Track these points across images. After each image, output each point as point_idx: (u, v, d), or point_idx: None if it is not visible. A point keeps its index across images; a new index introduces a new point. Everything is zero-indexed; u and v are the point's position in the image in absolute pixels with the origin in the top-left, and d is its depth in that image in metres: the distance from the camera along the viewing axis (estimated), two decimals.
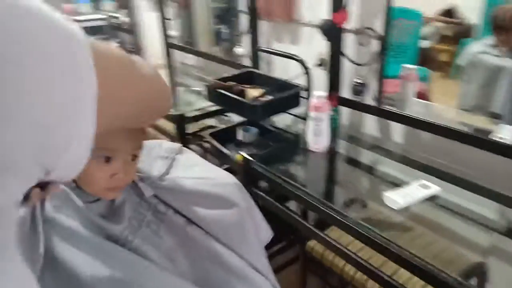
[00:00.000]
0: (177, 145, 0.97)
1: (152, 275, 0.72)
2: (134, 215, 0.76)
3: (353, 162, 1.34)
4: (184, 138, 1.76)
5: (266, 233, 1.01)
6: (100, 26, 3.13)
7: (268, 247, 0.97)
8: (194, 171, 0.89)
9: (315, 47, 1.61)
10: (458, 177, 1.13)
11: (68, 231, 0.68)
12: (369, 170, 1.29)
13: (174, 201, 0.81)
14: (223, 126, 1.71)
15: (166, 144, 0.95)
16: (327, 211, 1.04)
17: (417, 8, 1.33)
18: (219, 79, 1.59)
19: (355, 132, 1.56)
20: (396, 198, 1.00)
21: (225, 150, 1.52)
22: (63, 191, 0.72)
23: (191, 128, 1.89)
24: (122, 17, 2.90)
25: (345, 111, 1.57)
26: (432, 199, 1.05)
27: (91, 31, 3.07)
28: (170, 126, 1.81)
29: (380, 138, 1.52)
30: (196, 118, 1.84)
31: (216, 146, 1.58)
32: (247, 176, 1.40)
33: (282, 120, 1.64)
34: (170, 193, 0.81)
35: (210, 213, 0.83)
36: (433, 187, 1.07)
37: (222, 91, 1.49)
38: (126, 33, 2.93)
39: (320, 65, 1.58)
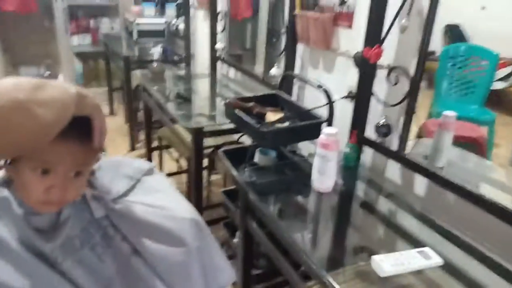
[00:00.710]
0: (148, 165, 0.93)
1: None
2: (81, 234, 0.73)
3: (359, 209, 1.21)
4: (199, 152, 1.73)
5: (227, 276, 0.93)
6: (161, 30, 3.25)
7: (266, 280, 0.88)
8: (154, 197, 0.84)
9: (348, 79, 1.50)
10: (477, 252, 0.96)
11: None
12: (374, 221, 1.15)
13: (124, 227, 0.77)
14: (242, 145, 1.65)
15: (137, 163, 0.91)
16: (308, 263, 0.93)
17: (495, 49, 1.24)
18: (241, 98, 1.54)
19: (375, 175, 1.41)
20: (383, 264, 0.87)
21: (233, 171, 1.45)
22: (5, 199, 0.70)
23: (210, 141, 1.86)
24: (180, 24, 2.98)
25: (369, 150, 1.44)
26: (432, 271, 0.89)
27: (152, 34, 3.21)
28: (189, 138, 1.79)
29: (400, 186, 1.36)
30: (218, 133, 1.80)
31: (223, 165, 1.52)
32: (244, 203, 1.33)
33: (308, 148, 1.54)
34: (121, 218, 0.77)
35: (156, 247, 0.78)
36: (435, 259, 0.91)
37: (237, 111, 1.43)
38: (181, 39, 3.01)
39: (348, 97, 1.46)
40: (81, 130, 0.66)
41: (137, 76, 2.51)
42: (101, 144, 0.72)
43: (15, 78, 0.51)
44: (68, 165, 0.67)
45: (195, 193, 1.84)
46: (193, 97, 2.12)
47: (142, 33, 3.15)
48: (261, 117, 1.49)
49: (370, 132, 1.39)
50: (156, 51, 2.32)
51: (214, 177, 2.46)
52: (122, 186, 0.83)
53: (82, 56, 4.00)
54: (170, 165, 2.72)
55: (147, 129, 2.50)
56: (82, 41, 3.90)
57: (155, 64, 2.30)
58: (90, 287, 0.71)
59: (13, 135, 0.46)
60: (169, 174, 2.58)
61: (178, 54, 2.94)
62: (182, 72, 2.68)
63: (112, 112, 3.80)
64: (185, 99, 1.97)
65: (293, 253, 1.02)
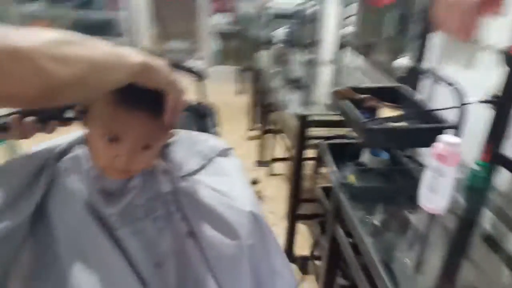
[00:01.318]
0: (225, 146, 0.88)
1: (110, 273, 0.66)
2: (146, 204, 0.73)
3: (480, 243, 0.96)
4: (302, 140, 1.62)
5: (285, 282, 0.83)
6: (293, 13, 3.19)
7: None
8: (221, 180, 0.79)
9: (489, 79, 1.20)
10: None
11: (65, 196, 0.69)
12: (497, 262, 0.89)
13: (186, 206, 0.75)
14: (351, 140, 1.49)
15: (213, 142, 0.87)
16: None
17: None
18: (353, 88, 1.37)
19: (510, 204, 1.11)
20: None
21: (331, 167, 1.32)
22: (78, 157, 0.71)
23: (323, 132, 1.74)
24: (312, 8, 2.86)
25: (506, 172, 1.14)
26: None
27: (284, 16, 3.17)
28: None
29: None
30: (326, 123, 1.67)
31: (325, 159, 1.39)
32: (335, 205, 1.19)
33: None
34: (185, 196, 0.75)
35: (210, 234, 0.74)
36: None
37: (343, 101, 1.28)
38: (311, 23, 2.90)
39: (488, 102, 1.17)
40: (155, 103, 0.64)
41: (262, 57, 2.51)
42: (173, 121, 0.69)
43: (45, 30, 0.48)
44: (136, 137, 0.66)
45: (293, 183, 1.76)
46: (310, 84, 2.01)
47: (275, 15, 3.14)
48: (373, 112, 1.31)
49: (509, 152, 1.09)
50: (280, 33, 2.26)
51: (325, 170, 2.33)
52: (193, 163, 0.81)
53: (222, 34, 4.22)
54: (281, 150, 2.69)
55: (263, 111, 2.50)
56: (222, 20, 4.10)
57: (277, 46, 2.25)
58: (141, 260, 0.70)
59: (7, 84, 0.44)
60: (277, 159, 2.55)
61: (306, 39, 2.84)
62: (306, 57, 2.59)
63: (240, 91, 3.94)
64: (300, 85, 1.88)
65: (377, 279, 0.86)
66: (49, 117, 0.68)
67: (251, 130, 3.15)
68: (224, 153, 0.87)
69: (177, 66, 2.56)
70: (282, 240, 1.94)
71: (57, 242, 0.66)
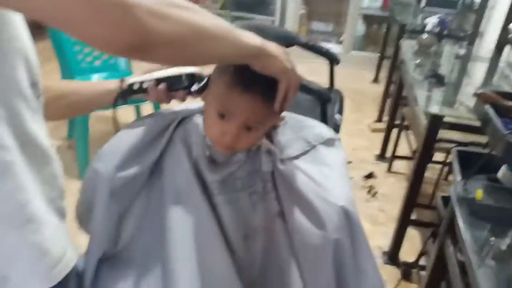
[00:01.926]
0: (331, 135, 0.87)
1: (200, 232, 0.72)
2: (245, 178, 0.78)
3: None
4: (429, 141, 1.49)
5: (371, 283, 0.80)
6: (454, 0, 2.85)
7: None
8: (319, 169, 0.79)
9: None
10: None
11: (178, 156, 0.76)
12: None
13: (281, 187, 0.78)
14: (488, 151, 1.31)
15: (320, 130, 0.87)
16: None
17: None
18: (501, 92, 1.19)
19: None
20: None
21: (458, 176, 1.19)
22: (197, 125, 0.79)
23: (452, 135, 1.58)
24: None
25: None
26: None
27: (442, 3, 2.87)
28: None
29: None
30: (462, 127, 1.50)
31: (452, 165, 1.26)
32: (448, 220, 1.07)
33: None
34: (281, 179, 0.77)
35: (299, 218, 0.75)
36: None
37: (487, 106, 1.12)
38: (473, 13, 2.56)
39: None
40: (267, 89, 0.68)
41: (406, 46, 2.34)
42: (282, 108, 0.71)
43: None
44: (244, 117, 0.69)
45: (411, 185, 1.64)
46: (453, 81, 1.80)
47: (431, 1, 2.85)
48: None
49: None
50: (430, 22, 2.05)
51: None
52: (296, 148, 0.82)
53: (367, 18, 4.04)
54: (405, 148, 2.51)
55: (395, 103, 2.35)
56: (373, 4, 3.91)
57: (424, 36, 2.05)
58: (232, 229, 0.74)
59: (100, 26, 0.44)
60: (399, 157, 2.39)
61: (463, 30, 2.52)
62: (459, 51, 2.31)
63: (376, 80, 3.76)
64: (440, 81, 1.70)
65: None
66: (178, 88, 0.77)
67: (378, 122, 3.00)
68: (329, 142, 0.85)
69: (311, 47, 2.56)
70: (387, 241, 1.85)
71: (165, 194, 0.75)
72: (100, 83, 0.85)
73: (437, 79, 1.70)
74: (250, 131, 0.71)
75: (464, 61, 2.15)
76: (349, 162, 2.56)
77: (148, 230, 0.75)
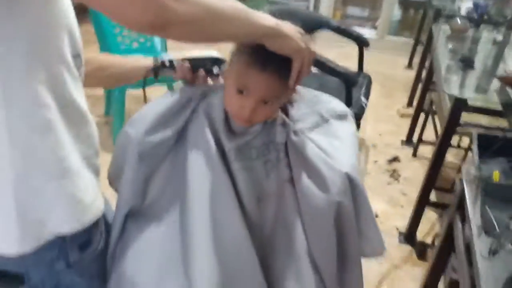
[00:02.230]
0: (343, 110, 0.92)
1: (216, 194, 0.79)
2: (260, 148, 0.84)
3: None
4: (451, 123, 1.51)
5: (373, 247, 0.87)
6: None
7: None
8: (329, 141, 0.85)
9: None
10: None
11: (201, 126, 0.83)
12: None
13: (292, 157, 0.84)
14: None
15: (333, 105, 0.92)
16: None
17: None
18: None
19: None
20: None
21: (474, 158, 1.22)
22: (221, 97, 0.85)
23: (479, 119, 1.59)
24: None
25: None
26: None
27: None
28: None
29: None
30: (487, 111, 1.51)
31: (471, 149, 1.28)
32: (459, 200, 1.11)
33: None
34: (293, 149, 0.84)
35: (306, 183, 0.81)
36: None
37: (508, 88, 1.13)
38: None
39: None
40: (282, 67, 0.74)
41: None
42: (296, 85, 0.78)
43: None
44: (260, 93, 0.76)
45: (431, 167, 1.67)
46: (485, 66, 1.79)
47: None
48: None
49: None
50: (464, 7, 2.01)
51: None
52: (310, 122, 0.87)
53: (404, 3, 3.95)
54: (432, 133, 2.50)
55: (424, 89, 2.34)
56: None
57: (458, 21, 2.03)
58: (246, 193, 0.81)
59: (131, 8, 0.54)
60: (425, 142, 2.38)
61: (503, 16, 2.44)
62: (497, 37, 2.25)
63: (410, 65, 3.71)
64: (470, 65, 1.70)
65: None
66: (201, 68, 0.86)
67: (408, 107, 2.98)
68: (341, 117, 0.91)
69: (341, 31, 2.59)
70: (405, 223, 1.89)
71: (187, 159, 0.82)
72: (136, 58, 0.93)
73: (466, 64, 1.70)
74: (266, 105, 0.77)
75: (501, 47, 2.11)
76: (374, 146, 2.58)
77: (171, 190, 0.83)
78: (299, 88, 0.85)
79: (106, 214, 0.79)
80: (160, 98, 0.87)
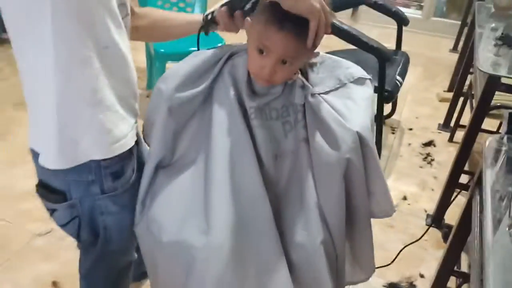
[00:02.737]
0: (361, 75, 0.94)
1: (234, 147, 0.85)
2: (280, 109, 0.89)
3: None
4: (484, 104, 1.46)
5: (381, 207, 0.89)
6: None
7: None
8: (344, 103, 0.88)
9: None
10: None
11: (225, 85, 0.88)
12: None
13: (309, 117, 0.88)
14: None
15: (352, 70, 0.95)
16: None
17: None
18: None
19: None
20: None
21: (504, 137, 1.18)
22: (246, 59, 0.88)
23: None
24: None
25: None
26: None
27: None
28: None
29: None
30: None
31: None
32: (480, 173, 1.09)
33: None
34: (310, 110, 0.88)
35: (319, 141, 0.86)
36: None
37: None
38: None
39: None
40: (300, 27, 0.76)
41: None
42: (315, 45, 0.80)
43: None
44: (279, 53, 0.79)
45: (461, 150, 1.62)
46: None
47: None
48: None
49: None
50: None
51: None
52: (328, 85, 0.90)
53: None
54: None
55: (463, 71, 2.25)
56: None
57: None
58: (265, 149, 0.87)
59: None
60: (463, 126, 2.30)
61: None
62: None
63: (455, 48, 3.54)
64: (509, 43, 1.62)
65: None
66: (236, 8, 0.87)
67: (448, 91, 2.87)
68: (359, 81, 0.93)
69: (379, 6, 2.53)
70: (434, 205, 1.85)
71: (212, 116, 0.88)
72: (189, 14, 1.05)
73: (505, 42, 1.62)
74: (285, 65, 0.81)
75: None
76: (410, 129, 2.53)
77: (198, 145, 0.90)
78: (319, 52, 0.87)
79: (141, 156, 0.91)
80: (190, 57, 0.92)
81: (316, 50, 0.85)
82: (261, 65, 0.81)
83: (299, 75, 0.90)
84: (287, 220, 0.88)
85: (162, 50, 2.29)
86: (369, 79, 0.95)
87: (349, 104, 0.88)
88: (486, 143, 1.09)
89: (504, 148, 1.05)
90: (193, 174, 0.89)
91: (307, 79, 0.91)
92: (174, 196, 0.88)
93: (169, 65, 2.33)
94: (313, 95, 0.87)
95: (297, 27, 0.76)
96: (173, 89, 0.86)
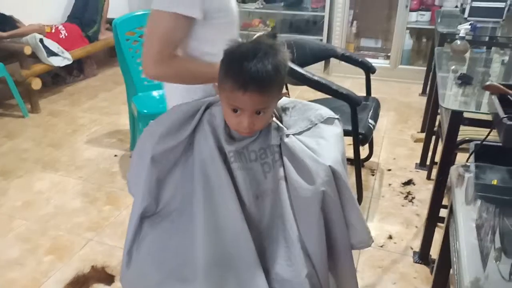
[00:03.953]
0: (330, 115, 1.01)
1: (215, 192, 0.90)
2: (258, 151, 0.95)
3: None
4: (451, 139, 1.53)
5: (358, 236, 0.91)
6: (500, 8, 2.81)
7: None
8: (316, 141, 0.96)
9: None
10: None
11: (205, 134, 0.94)
12: None
13: (285, 156, 0.94)
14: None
15: (321, 111, 1.02)
16: None
17: None
18: (505, 84, 1.23)
19: None
20: None
21: (471, 166, 1.24)
22: (219, 110, 0.95)
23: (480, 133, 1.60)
24: None
25: None
26: None
27: (487, 12, 2.84)
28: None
29: None
30: (484, 123, 1.52)
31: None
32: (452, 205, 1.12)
33: None
34: (285, 149, 0.94)
35: (295, 178, 0.91)
36: None
37: (493, 96, 1.17)
38: None
39: None
40: (262, 84, 0.84)
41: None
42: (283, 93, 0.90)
43: None
44: (251, 110, 0.86)
45: (435, 185, 1.67)
46: (483, 82, 1.82)
47: (476, 10, 2.84)
48: None
49: None
50: (463, 28, 2.07)
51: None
52: (301, 126, 0.98)
53: (416, 33, 4.04)
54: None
55: (432, 111, 2.36)
56: (420, 18, 3.93)
57: (458, 42, 2.09)
58: (246, 190, 0.91)
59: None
60: (436, 163, 2.37)
61: (507, 37, 2.49)
62: (503, 57, 2.29)
63: (424, 92, 3.73)
64: (468, 82, 1.74)
65: None
66: None
67: (421, 132, 2.98)
68: (328, 121, 1.00)
69: (346, 58, 2.70)
70: (419, 242, 1.86)
71: (195, 163, 0.93)
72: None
73: (464, 80, 1.74)
74: (260, 115, 0.88)
75: (508, 67, 2.13)
76: (389, 170, 2.59)
77: (182, 192, 0.94)
78: (287, 91, 0.96)
79: None
80: (173, 108, 1.00)
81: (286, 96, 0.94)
82: (238, 122, 0.88)
83: (274, 119, 0.96)
84: (272, 257, 0.90)
85: (145, 111, 2.36)
86: (337, 118, 1.02)
87: (320, 142, 0.94)
88: (450, 172, 1.14)
89: (467, 175, 1.09)
90: (178, 222, 0.93)
91: (281, 122, 0.98)
92: (159, 246, 0.92)
93: None
94: (287, 135, 0.94)
95: (259, 85, 0.83)
96: (156, 139, 0.92)
